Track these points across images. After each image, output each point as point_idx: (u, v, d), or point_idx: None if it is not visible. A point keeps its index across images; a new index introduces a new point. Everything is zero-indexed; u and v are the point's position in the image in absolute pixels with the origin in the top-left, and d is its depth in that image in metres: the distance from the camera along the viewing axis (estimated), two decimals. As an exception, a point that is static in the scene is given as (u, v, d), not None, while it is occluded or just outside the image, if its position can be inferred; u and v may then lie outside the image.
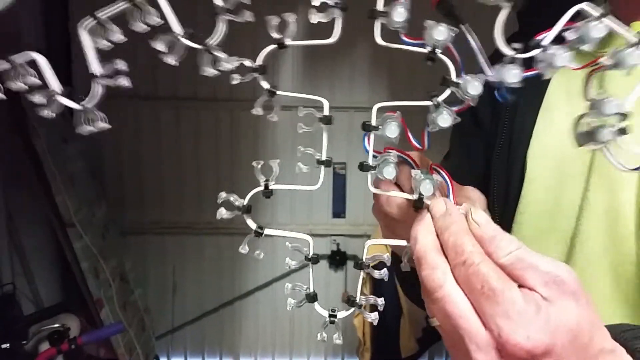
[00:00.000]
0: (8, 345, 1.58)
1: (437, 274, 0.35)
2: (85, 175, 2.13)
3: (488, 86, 0.41)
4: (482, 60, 0.37)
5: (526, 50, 0.36)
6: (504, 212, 0.64)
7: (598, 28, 0.34)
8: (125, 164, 2.57)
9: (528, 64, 0.37)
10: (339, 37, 0.37)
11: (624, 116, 0.36)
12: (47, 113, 0.35)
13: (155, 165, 2.56)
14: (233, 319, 2.72)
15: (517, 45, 0.36)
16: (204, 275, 2.65)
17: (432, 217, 0.38)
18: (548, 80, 0.61)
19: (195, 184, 2.54)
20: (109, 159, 2.55)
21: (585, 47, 0.35)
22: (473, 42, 0.37)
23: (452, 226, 0.36)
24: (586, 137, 0.38)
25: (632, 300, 0.54)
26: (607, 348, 0.34)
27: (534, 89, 0.62)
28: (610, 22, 0.35)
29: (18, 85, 0.34)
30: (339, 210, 2.55)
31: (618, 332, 0.36)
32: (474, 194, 0.47)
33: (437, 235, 0.37)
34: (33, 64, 0.34)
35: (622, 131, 0.36)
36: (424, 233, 0.37)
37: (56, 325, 1.68)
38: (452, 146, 0.76)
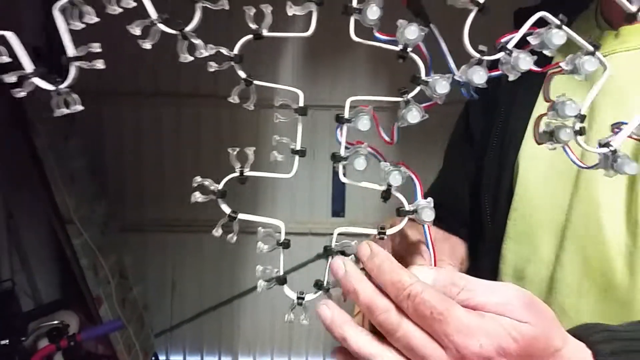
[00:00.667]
0: (7, 341, 1.58)
1: (392, 315, 0.37)
2: (85, 172, 2.13)
3: (481, 97, 0.42)
4: (449, 60, 0.39)
5: (493, 52, 0.38)
6: (495, 211, 0.67)
7: (558, 35, 0.37)
8: (126, 161, 2.57)
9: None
10: (313, 30, 0.38)
11: (582, 118, 0.39)
12: (20, 94, 0.36)
13: (155, 163, 2.56)
14: (232, 317, 2.72)
15: (483, 47, 0.38)
16: (203, 273, 2.65)
17: (361, 261, 0.40)
18: (539, 86, 0.64)
19: (195, 181, 2.54)
20: (109, 155, 2.55)
21: (547, 52, 0.37)
22: (442, 42, 0.39)
23: (383, 264, 0.38)
24: (546, 136, 0.40)
25: (618, 286, 0.57)
26: (563, 345, 0.37)
27: (526, 95, 0.66)
28: (569, 30, 0.37)
29: None
30: (338, 209, 2.55)
31: (580, 329, 0.40)
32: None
33: (373, 277, 0.39)
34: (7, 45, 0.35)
35: (580, 132, 0.39)
36: (360, 283, 0.39)
37: (55, 322, 1.67)
38: (445, 159, 0.80)
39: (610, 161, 0.39)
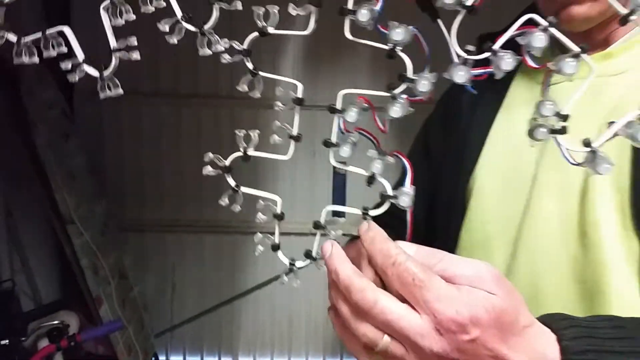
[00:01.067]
0: (7, 341, 1.58)
1: (368, 293, 0.40)
2: (85, 171, 2.13)
3: (441, 109, 0.43)
4: (454, 55, 0.41)
5: (479, 52, 0.40)
6: (448, 222, 0.71)
7: (540, 38, 0.38)
8: (126, 161, 2.57)
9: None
10: (312, 29, 0.42)
11: (563, 118, 0.41)
12: (75, 78, 0.43)
13: (155, 163, 2.56)
14: (232, 317, 2.72)
15: (470, 47, 0.40)
16: (203, 274, 2.65)
17: (360, 234, 0.44)
18: (499, 101, 0.70)
19: (196, 182, 2.54)
20: (109, 155, 2.55)
21: (534, 53, 0.39)
22: (447, 37, 0.40)
23: (376, 236, 0.42)
24: (529, 134, 0.42)
25: (566, 297, 0.60)
26: (529, 324, 0.40)
27: (485, 110, 0.70)
28: (556, 32, 0.39)
29: (50, 53, 0.42)
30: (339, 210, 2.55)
31: (545, 317, 0.42)
32: None
33: (365, 247, 0.42)
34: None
35: (560, 131, 0.41)
36: (340, 263, 0.42)
37: (55, 322, 1.68)
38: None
39: (590, 160, 0.41)
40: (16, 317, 1.78)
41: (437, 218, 0.74)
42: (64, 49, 0.42)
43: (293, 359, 2.74)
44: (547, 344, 0.41)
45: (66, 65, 0.42)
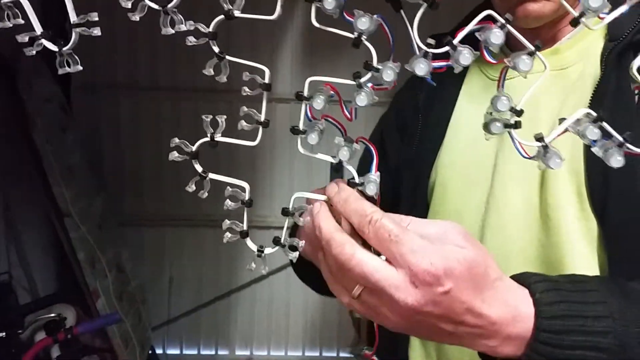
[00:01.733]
0: (4, 334, 1.58)
1: (347, 247, 0.41)
2: (83, 165, 2.13)
3: (396, 111, 0.43)
4: (415, 46, 0.41)
5: (439, 46, 0.41)
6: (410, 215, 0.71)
7: (497, 34, 0.39)
8: (124, 155, 2.57)
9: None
10: (278, 14, 0.43)
11: (518, 113, 0.42)
12: (31, 52, 0.41)
13: (153, 157, 2.56)
14: (229, 311, 2.72)
15: (431, 41, 0.41)
16: (200, 268, 2.66)
17: (329, 197, 0.45)
18: (454, 100, 0.72)
19: (194, 176, 2.54)
20: (107, 149, 2.55)
21: (492, 49, 0.40)
22: (409, 28, 0.41)
23: (349, 197, 0.43)
24: (484, 127, 0.44)
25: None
26: (500, 277, 0.43)
27: (443, 108, 0.73)
28: (512, 30, 0.40)
29: (4, 23, 0.40)
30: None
31: (516, 274, 0.45)
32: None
33: (339, 209, 0.44)
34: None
35: (514, 125, 0.42)
36: (324, 220, 0.44)
37: (52, 315, 1.68)
38: None
39: (542, 154, 0.43)
40: (13, 310, 1.78)
41: (401, 212, 0.76)
42: (20, 20, 0.40)
43: (290, 352, 2.76)
44: (520, 297, 0.43)
45: (22, 38, 0.40)
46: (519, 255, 0.64)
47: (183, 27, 0.42)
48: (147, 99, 2.51)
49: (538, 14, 0.61)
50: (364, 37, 0.41)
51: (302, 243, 0.47)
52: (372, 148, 0.45)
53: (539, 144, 0.42)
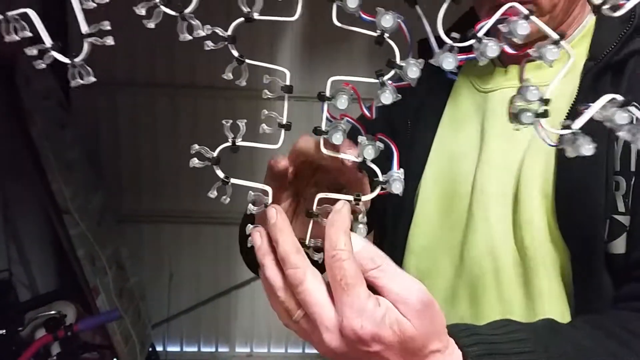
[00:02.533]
0: (4, 331, 1.58)
1: (299, 273, 0.41)
2: (81, 161, 2.12)
3: (382, 119, 0.43)
4: (432, 42, 0.41)
5: (464, 40, 0.41)
6: (396, 226, 0.75)
7: (523, 26, 0.39)
8: (122, 152, 2.56)
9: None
10: (299, 15, 0.42)
11: (545, 102, 0.42)
12: (41, 65, 0.39)
13: (152, 153, 2.56)
14: (229, 308, 2.72)
15: (455, 35, 0.41)
16: (200, 264, 2.66)
17: (334, 210, 0.43)
18: (441, 112, 0.74)
19: (192, 173, 2.53)
20: (105, 145, 2.54)
21: (515, 40, 0.40)
22: (426, 25, 0.41)
23: (338, 224, 0.42)
24: (514, 118, 0.43)
25: (507, 297, 0.66)
26: (439, 350, 0.42)
27: (429, 120, 0.74)
28: (537, 21, 0.40)
29: (12, 37, 0.39)
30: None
31: (454, 331, 0.45)
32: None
33: (326, 226, 0.43)
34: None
35: (543, 114, 0.42)
36: (284, 237, 0.43)
37: (52, 312, 1.68)
38: None
39: (570, 142, 0.42)
40: (13, 307, 1.78)
41: (387, 219, 0.77)
42: (28, 33, 0.39)
43: (290, 349, 2.76)
44: None
45: (31, 51, 0.39)
46: (496, 274, 0.66)
47: (202, 33, 0.41)
48: (145, 96, 2.51)
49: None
50: (386, 35, 0.41)
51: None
52: (392, 145, 0.44)
53: (568, 131, 0.42)
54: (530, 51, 0.41)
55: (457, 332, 0.45)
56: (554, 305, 0.63)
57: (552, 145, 0.43)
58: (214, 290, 2.68)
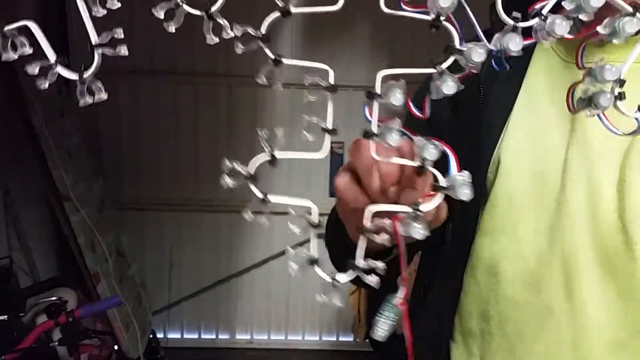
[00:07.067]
0: (5, 317, 1.59)
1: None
2: (82, 149, 2.12)
3: (449, 100, 0.41)
4: (478, 30, 0.38)
5: (526, 19, 0.37)
6: (467, 206, 0.65)
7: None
8: (123, 139, 2.56)
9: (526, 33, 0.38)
10: (342, 4, 0.36)
11: (621, 82, 0.37)
12: (43, 84, 0.34)
13: (152, 141, 2.55)
14: (229, 295, 2.74)
15: (516, 14, 0.37)
16: (201, 252, 2.66)
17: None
18: (518, 86, 0.64)
19: (193, 160, 2.54)
20: (106, 133, 2.54)
21: (582, 17, 0.36)
22: (469, 11, 0.37)
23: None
24: (584, 103, 0.38)
25: (617, 286, 0.57)
26: None
27: (504, 90, 0.64)
28: None
29: (9, 55, 0.33)
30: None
31: None
32: None
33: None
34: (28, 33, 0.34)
35: (619, 97, 0.37)
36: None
37: (53, 298, 1.69)
38: None
39: None
40: (14, 294, 1.79)
41: (452, 201, 0.69)
42: (28, 50, 0.33)
43: (290, 337, 2.78)
44: None
45: (33, 69, 0.33)
46: (590, 260, 0.59)
47: (232, 34, 0.36)
48: (145, 83, 2.50)
49: None
50: (442, 18, 0.36)
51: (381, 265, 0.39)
52: (447, 149, 0.40)
53: None
54: (599, 28, 0.37)
55: None
56: None
57: (627, 134, 0.39)
58: (214, 278, 2.69)
